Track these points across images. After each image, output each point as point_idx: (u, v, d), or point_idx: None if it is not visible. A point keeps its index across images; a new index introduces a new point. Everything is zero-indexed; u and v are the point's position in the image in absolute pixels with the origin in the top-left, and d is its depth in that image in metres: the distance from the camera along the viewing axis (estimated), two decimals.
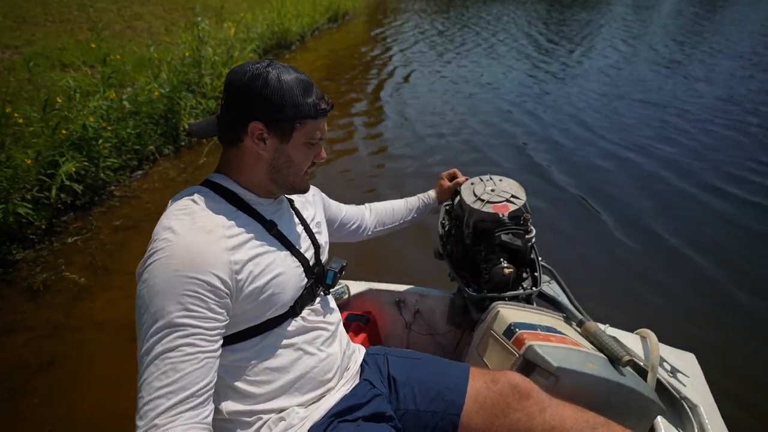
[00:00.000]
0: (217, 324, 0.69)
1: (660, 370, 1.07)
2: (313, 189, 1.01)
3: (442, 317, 1.38)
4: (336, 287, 1.05)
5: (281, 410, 0.80)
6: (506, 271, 1.12)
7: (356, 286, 1.40)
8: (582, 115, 5.07)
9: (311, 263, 0.87)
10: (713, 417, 1.02)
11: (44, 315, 2.16)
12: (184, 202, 0.75)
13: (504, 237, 1.13)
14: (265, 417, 0.78)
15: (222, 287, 0.69)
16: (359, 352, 0.99)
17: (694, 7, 15.49)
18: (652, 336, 1.13)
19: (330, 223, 1.10)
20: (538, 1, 15.99)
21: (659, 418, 1.02)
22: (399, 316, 1.41)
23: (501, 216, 1.15)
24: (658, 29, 11.05)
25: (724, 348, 2.07)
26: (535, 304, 1.15)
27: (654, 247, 2.81)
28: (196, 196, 0.76)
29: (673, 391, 1.07)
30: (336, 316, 0.95)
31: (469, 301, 1.22)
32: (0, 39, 4.60)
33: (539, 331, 0.99)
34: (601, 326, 1.12)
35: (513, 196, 1.19)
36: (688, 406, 1.05)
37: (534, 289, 1.17)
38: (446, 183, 1.34)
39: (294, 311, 0.82)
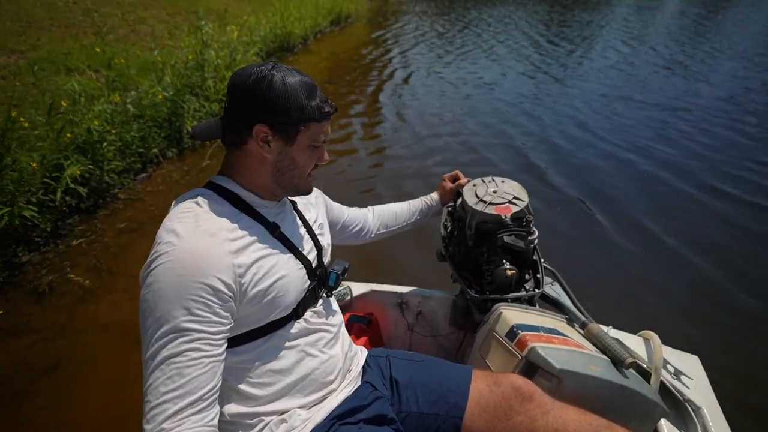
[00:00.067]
0: (222, 328, 0.69)
1: (663, 372, 1.07)
2: (315, 191, 1.02)
3: (445, 319, 1.38)
4: (338, 289, 1.05)
5: (283, 412, 0.80)
6: (509, 272, 1.12)
7: (358, 288, 1.40)
8: (582, 117, 5.06)
9: (314, 265, 0.88)
10: (717, 419, 1.02)
11: (49, 317, 2.17)
12: (188, 205, 0.75)
13: (506, 238, 1.13)
14: (267, 419, 0.79)
15: (226, 291, 0.69)
16: (361, 353, 0.99)
17: (697, 7, 15.44)
18: (655, 338, 1.13)
19: (332, 225, 1.10)
20: (538, 2, 16.00)
21: (663, 421, 1.01)
22: (401, 318, 1.41)
23: (503, 217, 1.15)
24: (660, 30, 11.02)
25: (728, 350, 2.06)
26: (537, 306, 1.15)
27: (656, 248, 2.80)
28: (199, 199, 0.76)
29: (676, 393, 1.06)
30: (338, 318, 0.95)
31: (472, 303, 1.22)
32: (6, 44, 4.65)
33: (542, 333, 0.99)
34: (604, 328, 1.12)
35: (515, 197, 1.19)
36: (692, 409, 1.04)
37: (536, 290, 1.16)
38: (448, 185, 1.33)
39: (297, 313, 0.83)
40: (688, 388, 1.08)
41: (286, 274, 0.79)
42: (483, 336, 1.10)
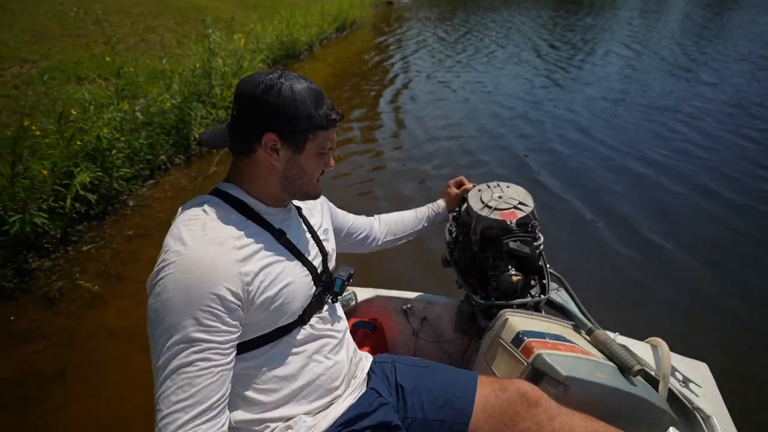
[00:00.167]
0: (230, 337, 0.70)
1: (671, 379, 1.05)
2: (320, 198, 1.02)
3: (450, 324, 1.38)
4: (343, 294, 1.06)
5: (288, 418, 0.80)
6: (514, 278, 1.12)
7: (363, 293, 1.40)
8: (587, 122, 5.04)
9: (319, 271, 0.88)
10: (727, 428, 1.00)
11: (59, 323, 2.20)
12: (194, 212, 0.75)
13: (512, 244, 1.13)
14: (272, 425, 0.79)
15: (234, 300, 0.70)
16: (366, 359, 1.00)
17: (702, 10, 15.37)
18: (663, 345, 1.12)
19: (337, 231, 1.11)
20: (541, 8, 16.02)
21: (671, 429, 1.00)
22: (406, 323, 1.40)
23: (509, 223, 1.14)
24: (664, 33, 10.97)
25: (737, 357, 2.03)
26: (543, 312, 1.15)
27: (662, 254, 2.77)
28: (206, 206, 0.76)
29: (685, 401, 1.05)
30: (343, 324, 0.95)
31: (477, 309, 1.22)
32: (18, 54, 4.75)
33: (548, 340, 0.98)
34: (611, 334, 1.11)
35: (521, 203, 1.19)
36: (701, 417, 1.03)
37: (542, 296, 1.16)
38: (454, 190, 1.33)
39: (303, 319, 0.83)
40: (697, 395, 1.07)
41: (293, 281, 0.80)
42: (488, 342, 1.10)
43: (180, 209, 0.78)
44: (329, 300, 0.91)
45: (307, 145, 0.79)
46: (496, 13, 14.56)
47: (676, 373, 1.11)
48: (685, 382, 1.10)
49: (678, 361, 1.16)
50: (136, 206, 3.17)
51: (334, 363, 0.87)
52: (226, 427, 0.69)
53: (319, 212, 1.00)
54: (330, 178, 3.67)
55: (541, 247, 1.18)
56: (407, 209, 1.33)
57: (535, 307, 1.16)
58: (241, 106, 0.77)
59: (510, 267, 1.14)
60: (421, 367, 0.99)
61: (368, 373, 0.96)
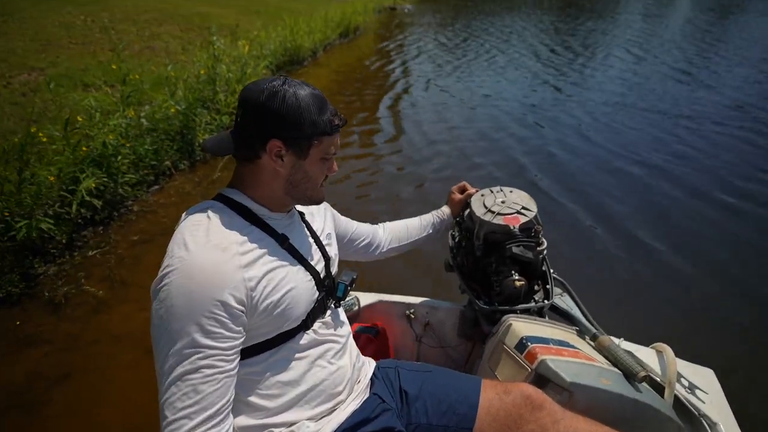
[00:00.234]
0: (234, 343, 0.71)
1: (677, 386, 1.04)
2: (323, 203, 1.03)
3: (453, 330, 1.37)
4: (346, 299, 1.06)
5: (291, 424, 0.80)
6: (517, 283, 1.12)
7: (366, 298, 1.40)
8: (588, 126, 5.03)
9: (322, 276, 0.88)
10: None
11: (64, 328, 2.21)
12: (198, 217, 0.76)
13: (515, 249, 1.12)
14: (276, 431, 0.79)
15: (238, 306, 0.70)
16: (369, 364, 0.99)
17: (705, 14, 15.35)
18: (668, 350, 1.11)
19: (340, 238, 1.11)
20: (543, 13, 16.06)
21: None
22: (409, 329, 1.40)
23: (512, 228, 1.14)
24: (666, 38, 10.96)
25: (744, 363, 2.00)
26: (547, 318, 1.14)
27: (668, 259, 2.75)
28: (210, 212, 0.77)
29: (691, 408, 1.04)
30: (346, 329, 0.95)
31: (480, 314, 1.21)
32: (26, 62, 4.82)
33: (552, 345, 0.98)
34: (616, 340, 1.10)
35: (524, 207, 1.19)
36: (708, 424, 1.01)
37: (546, 301, 1.15)
38: (457, 196, 1.33)
39: (306, 324, 0.83)
40: (704, 402, 1.06)
41: (296, 286, 0.80)
42: (492, 348, 1.09)
43: (184, 214, 0.79)
44: (332, 305, 0.91)
45: (311, 151, 0.79)
46: (497, 18, 14.62)
47: (682, 380, 1.10)
48: (691, 388, 1.09)
49: (684, 367, 1.15)
50: (141, 212, 3.19)
51: (337, 368, 0.87)
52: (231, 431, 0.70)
53: (322, 217, 1.01)
54: (329, 183, 3.68)
55: (545, 252, 1.18)
56: (407, 213, 1.33)
57: (539, 313, 1.16)
58: (245, 113, 0.77)
59: (513, 272, 1.14)
60: (425, 372, 0.99)
61: (371, 379, 0.96)
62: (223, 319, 0.68)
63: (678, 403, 1.03)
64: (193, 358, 0.66)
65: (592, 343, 1.07)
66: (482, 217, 1.17)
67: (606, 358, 1.01)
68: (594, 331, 1.09)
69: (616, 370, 0.96)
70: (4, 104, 3.76)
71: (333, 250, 0.97)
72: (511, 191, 1.26)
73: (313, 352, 0.84)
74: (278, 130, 0.76)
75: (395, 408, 0.92)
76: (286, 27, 7.71)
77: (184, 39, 6.88)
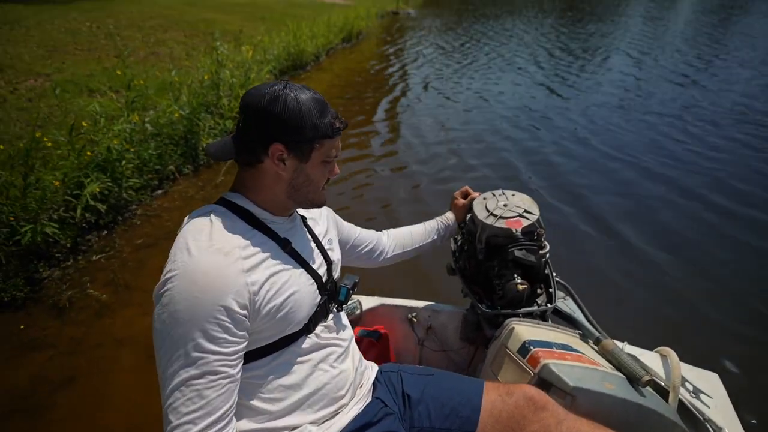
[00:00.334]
0: (238, 347, 0.71)
1: (682, 390, 1.04)
2: (325, 208, 1.03)
3: (455, 333, 1.37)
4: (348, 303, 1.06)
5: (294, 428, 0.80)
6: (520, 287, 1.11)
7: (368, 302, 1.40)
8: (586, 130, 5.02)
9: (324, 280, 0.88)
10: None
11: (68, 332, 2.22)
12: (201, 221, 0.76)
13: (517, 252, 1.12)
14: None
15: (241, 311, 0.70)
16: (371, 368, 0.99)
17: (706, 17, 15.33)
18: (672, 354, 1.10)
19: (342, 243, 1.11)
20: (545, 17, 16.09)
21: None
22: (411, 332, 1.40)
23: (514, 231, 1.14)
24: (667, 41, 10.95)
25: (749, 367, 1.98)
26: (550, 321, 1.14)
27: (672, 261, 2.73)
28: (212, 216, 0.77)
29: (696, 412, 1.03)
30: (348, 333, 0.95)
31: (483, 318, 1.21)
32: (33, 68, 4.87)
33: (555, 349, 0.97)
34: (619, 344, 1.10)
35: (526, 211, 1.18)
36: (713, 429, 1.00)
37: (549, 305, 1.15)
38: (460, 201, 1.32)
39: (308, 328, 0.83)
40: (708, 407, 1.05)
41: (298, 290, 0.80)
42: (494, 351, 1.09)
43: (186, 219, 0.79)
44: (334, 309, 0.91)
45: (313, 154, 0.80)
46: (498, 22, 14.66)
47: (687, 384, 1.09)
48: (696, 392, 1.08)
49: (688, 371, 1.14)
50: (145, 216, 3.21)
51: (340, 372, 0.87)
52: None
53: (324, 221, 1.01)
54: (329, 185, 3.69)
55: (547, 255, 1.17)
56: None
57: (542, 316, 1.16)
58: (247, 117, 0.78)
59: (516, 275, 1.13)
60: (427, 376, 0.99)
61: (374, 383, 0.96)
62: (227, 324, 0.69)
63: (682, 408, 1.03)
64: (197, 363, 0.66)
65: (595, 347, 1.07)
66: (484, 221, 1.17)
67: (609, 362, 1.00)
68: (597, 334, 1.09)
69: (619, 374, 0.96)
70: (10, 110, 3.80)
71: (335, 255, 0.97)
72: (513, 194, 1.26)
73: (316, 355, 0.84)
74: (280, 134, 0.76)
75: (398, 412, 0.91)
76: (289, 32, 7.77)
77: (188, 45, 6.93)
